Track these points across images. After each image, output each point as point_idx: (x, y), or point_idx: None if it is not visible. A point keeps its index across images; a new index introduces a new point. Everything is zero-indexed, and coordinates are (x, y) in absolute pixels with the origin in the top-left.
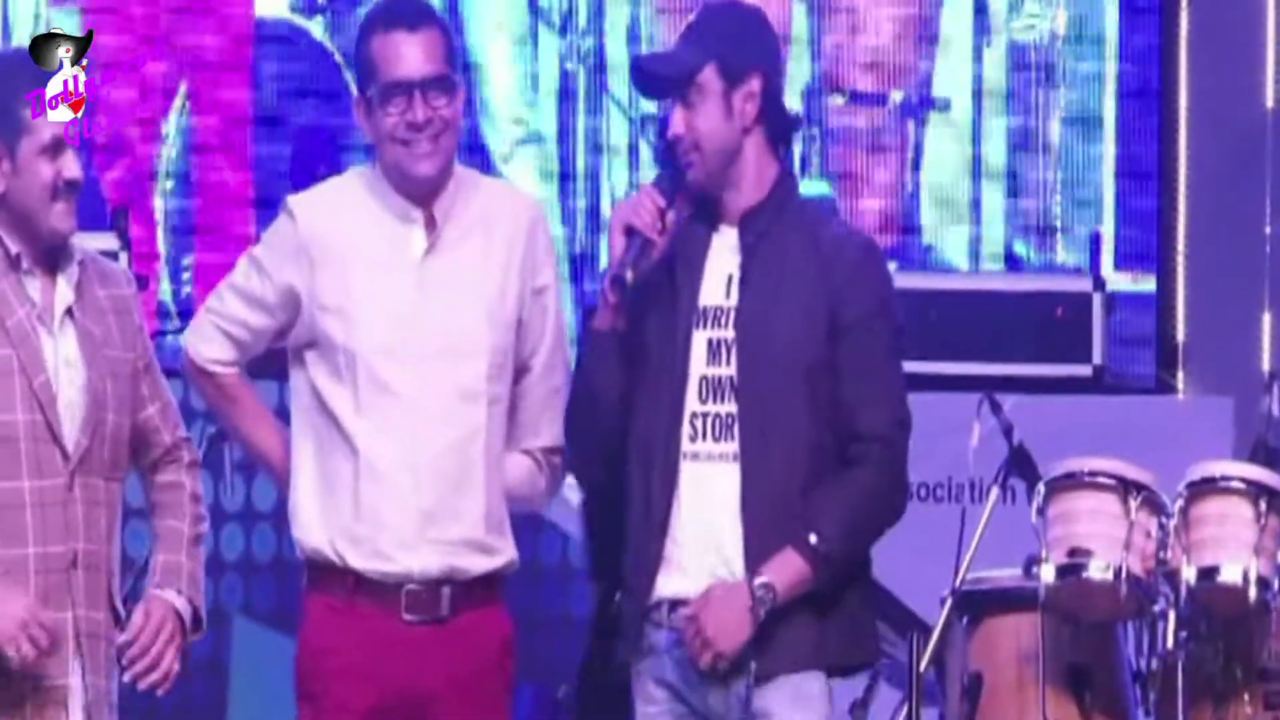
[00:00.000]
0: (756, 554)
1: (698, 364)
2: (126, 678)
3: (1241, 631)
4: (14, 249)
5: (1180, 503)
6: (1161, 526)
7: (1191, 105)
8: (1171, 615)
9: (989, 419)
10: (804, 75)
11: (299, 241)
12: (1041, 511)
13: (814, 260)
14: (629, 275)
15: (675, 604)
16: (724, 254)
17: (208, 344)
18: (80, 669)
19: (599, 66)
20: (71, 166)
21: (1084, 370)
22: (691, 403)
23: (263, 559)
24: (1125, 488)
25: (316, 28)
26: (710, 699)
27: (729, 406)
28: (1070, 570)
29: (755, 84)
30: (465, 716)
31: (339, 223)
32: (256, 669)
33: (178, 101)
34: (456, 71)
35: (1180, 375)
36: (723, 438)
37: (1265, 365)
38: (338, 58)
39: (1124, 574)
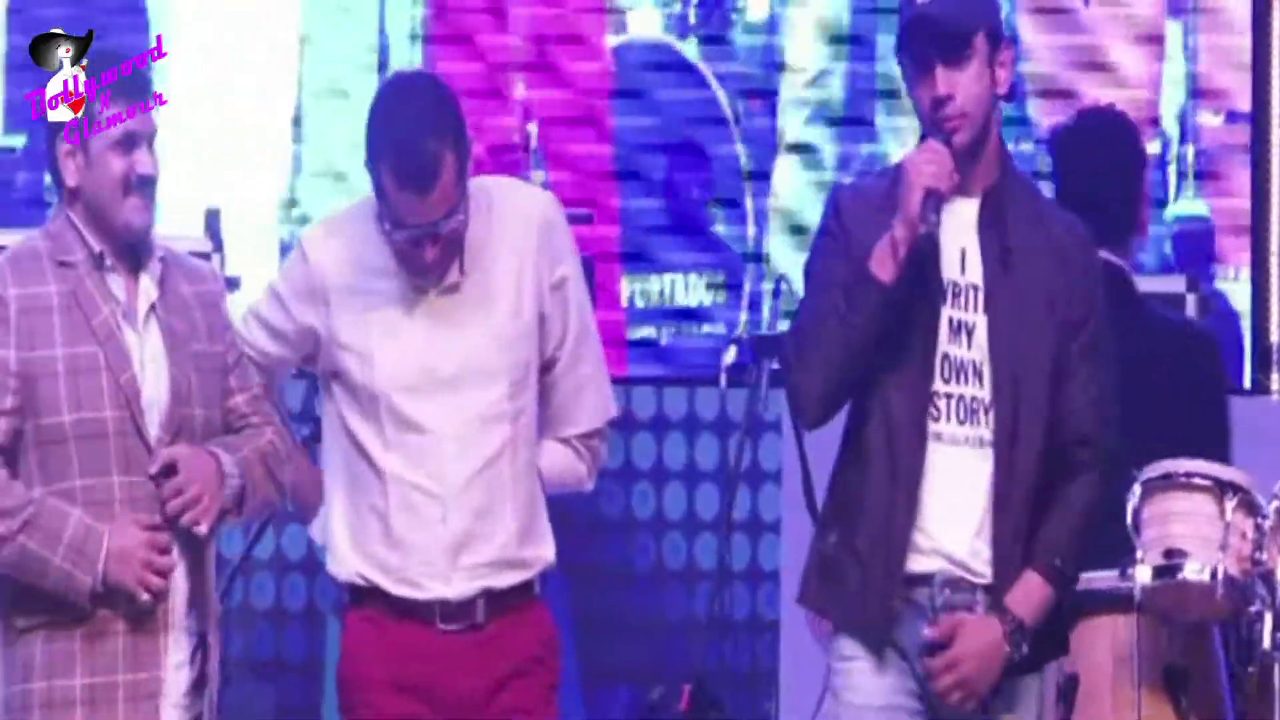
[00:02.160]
0: (1004, 550)
1: (940, 341)
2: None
3: None
4: (97, 247)
5: (1276, 504)
6: (1257, 527)
7: None
8: (1268, 616)
9: None
10: (1179, 95)
11: (312, 282)
12: (1137, 513)
13: (1045, 245)
14: (937, 232)
15: (911, 580)
16: (958, 227)
17: None
18: (175, 660)
19: None
20: (144, 163)
21: None
22: (934, 381)
23: None
24: (1221, 489)
25: (690, 49)
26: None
27: (972, 389)
28: (1166, 571)
29: (1008, 53)
30: (507, 714)
31: (351, 260)
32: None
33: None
34: (466, 181)
35: (1275, 376)
36: (968, 421)
37: None
38: (710, 79)
39: (1220, 575)
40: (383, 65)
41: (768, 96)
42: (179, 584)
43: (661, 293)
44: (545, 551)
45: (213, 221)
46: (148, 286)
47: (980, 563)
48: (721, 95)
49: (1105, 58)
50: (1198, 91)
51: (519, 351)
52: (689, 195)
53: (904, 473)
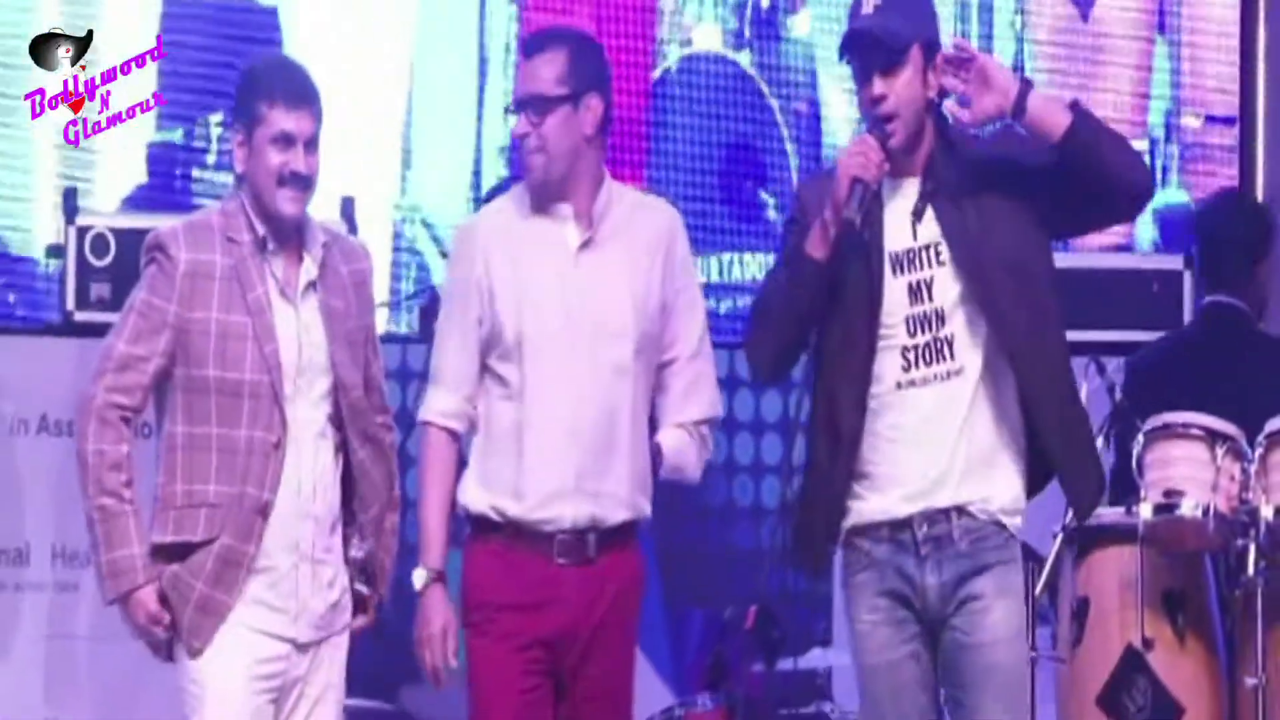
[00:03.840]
0: (1057, 441)
1: (900, 306)
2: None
3: None
4: (260, 231)
5: (1260, 450)
6: (1244, 471)
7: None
8: (1252, 548)
9: (1095, 379)
10: (1165, 101)
11: (474, 247)
12: (1140, 458)
13: (981, 178)
14: (857, 220)
15: (895, 525)
16: (904, 203)
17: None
18: (308, 589)
19: None
20: (298, 161)
21: None
22: (900, 339)
23: None
24: (1213, 438)
25: (745, 59)
26: (930, 597)
27: (934, 333)
28: (1165, 509)
29: (941, 60)
30: (607, 642)
31: (504, 227)
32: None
33: None
34: (571, 90)
35: None
36: (934, 360)
37: None
38: (762, 85)
39: (1212, 512)
40: (483, 69)
41: (810, 100)
42: (319, 523)
43: (720, 269)
44: (646, 506)
45: (347, 207)
46: (310, 267)
47: (954, 481)
48: (772, 99)
49: (1103, 73)
50: (1180, 99)
51: (646, 322)
52: (744, 185)
53: (846, 433)
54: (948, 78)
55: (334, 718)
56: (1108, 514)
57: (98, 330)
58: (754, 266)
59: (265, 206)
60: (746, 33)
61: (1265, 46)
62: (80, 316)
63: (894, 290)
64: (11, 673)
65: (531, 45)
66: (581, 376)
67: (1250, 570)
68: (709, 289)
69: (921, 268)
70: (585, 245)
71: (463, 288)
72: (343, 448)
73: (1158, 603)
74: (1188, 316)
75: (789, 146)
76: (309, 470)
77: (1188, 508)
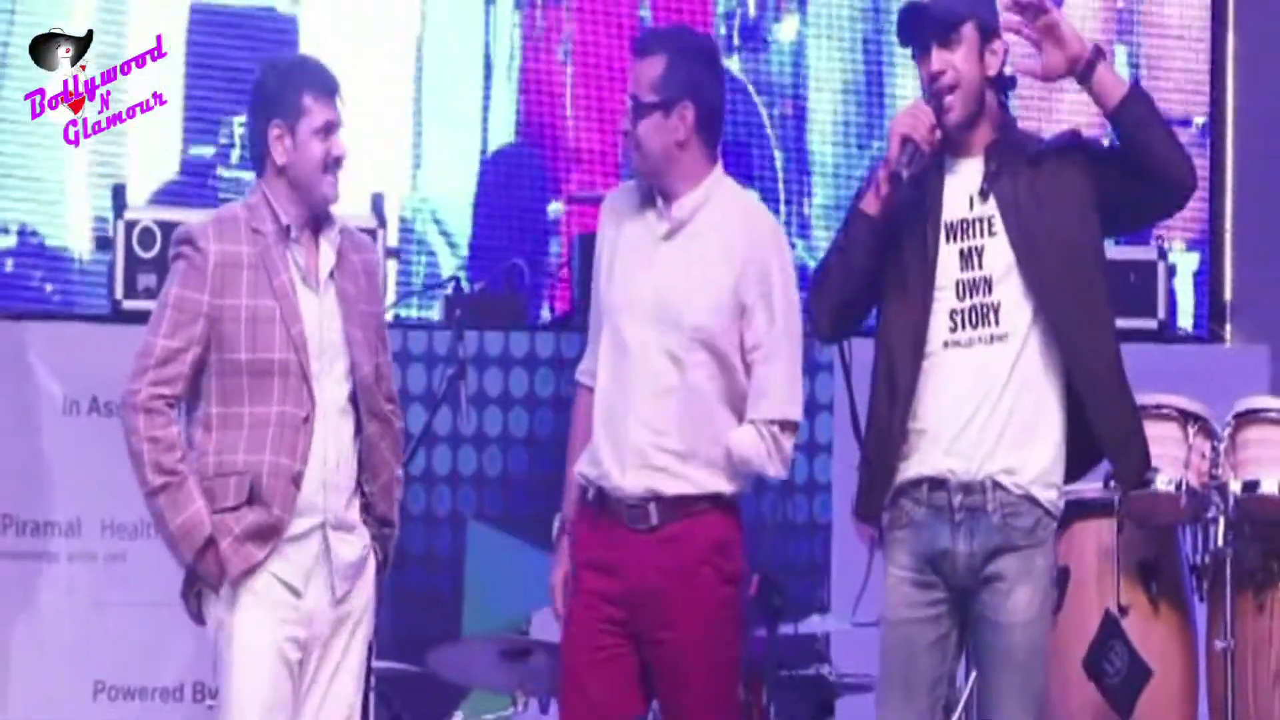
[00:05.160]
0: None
1: (952, 271)
2: None
3: (1278, 533)
4: (284, 221)
5: (1229, 430)
6: (1214, 449)
7: (1239, 93)
8: (1221, 520)
9: None
10: None
11: (603, 216)
12: None
13: (1040, 165)
14: (905, 174)
15: (935, 482)
16: (964, 180)
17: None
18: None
19: None
20: (338, 146)
21: (1150, 324)
22: (949, 302)
23: (492, 474)
24: (1185, 418)
25: (733, 64)
26: (959, 564)
27: (982, 298)
28: (1141, 484)
29: (1000, 45)
30: (678, 603)
31: (622, 202)
32: (486, 564)
33: None
34: (662, 98)
35: (1227, 328)
36: (980, 324)
37: None
38: (750, 89)
39: (1184, 487)
40: (487, 66)
41: (795, 103)
42: (340, 492)
43: None
44: (711, 482)
45: (378, 202)
46: (328, 253)
47: (990, 442)
48: (759, 102)
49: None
50: None
51: (711, 314)
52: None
53: (902, 387)
54: (1012, 18)
55: (354, 682)
56: (1087, 489)
57: (145, 318)
58: None
59: (310, 194)
60: (735, 38)
61: (1234, 51)
62: (128, 305)
63: (946, 255)
64: (64, 637)
65: (638, 46)
66: (641, 357)
67: (1220, 541)
68: None
69: (973, 236)
70: (668, 237)
71: (596, 254)
72: (358, 423)
73: (1133, 572)
74: (1161, 305)
75: (774, 146)
76: (334, 443)
77: (1162, 483)
